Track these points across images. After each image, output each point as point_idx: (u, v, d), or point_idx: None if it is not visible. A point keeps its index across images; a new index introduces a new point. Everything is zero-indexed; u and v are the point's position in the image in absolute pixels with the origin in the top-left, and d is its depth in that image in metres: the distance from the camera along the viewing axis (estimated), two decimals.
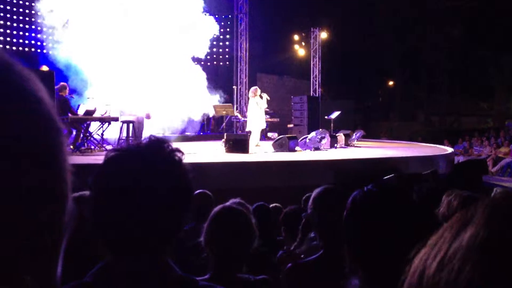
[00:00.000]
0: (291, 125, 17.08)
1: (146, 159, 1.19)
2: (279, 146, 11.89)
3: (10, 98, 0.45)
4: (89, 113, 10.60)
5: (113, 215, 1.15)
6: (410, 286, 0.49)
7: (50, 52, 13.94)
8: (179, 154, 1.22)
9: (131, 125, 11.01)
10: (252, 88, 13.00)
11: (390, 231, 1.38)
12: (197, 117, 16.44)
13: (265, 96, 12.80)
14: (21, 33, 15.08)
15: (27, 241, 0.44)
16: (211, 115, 17.24)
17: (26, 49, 14.99)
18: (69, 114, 10.43)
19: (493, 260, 0.43)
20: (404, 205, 1.47)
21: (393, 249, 1.37)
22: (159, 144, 1.21)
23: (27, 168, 0.44)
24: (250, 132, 12.64)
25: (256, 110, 12.62)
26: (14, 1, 15.08)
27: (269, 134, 17.38)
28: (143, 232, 1.15)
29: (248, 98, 13.22)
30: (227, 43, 20.84)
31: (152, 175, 1.16)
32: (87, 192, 1.21)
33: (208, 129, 18.60)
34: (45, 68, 12.07)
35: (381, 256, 1.37)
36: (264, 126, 13.15)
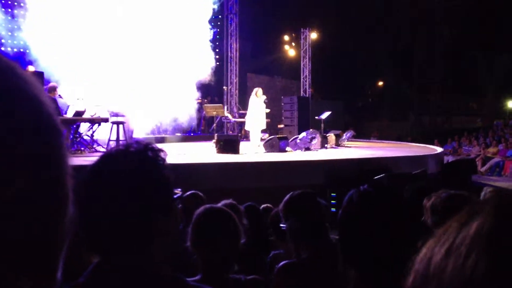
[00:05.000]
0: (282, 126, 17.08)
1: (128, 162, 1.22)
2: (270, 146, 11.90)
3: (12, 100, 0.45)
4: (78, 114, 10.53)
5: (96, 217, 1.17)
6: (417, 273, 0.51)
7: (31, 52, 13.66)
8: (162, 155, 1.25)
9: (121, 126, 10.96)
10: (255, 88, 13.00)
11: (385, 231, 1.39)
12: (187, 117, 16.37)
13: (263, 97, 12.68)
14: (9, 33, 14.87)
15: (29, 244, 0.44)
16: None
17: (14, 49, 14.79)
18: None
19: (498, 248, 0.45)
20: (399, 205, 1.48)
21: (387, 248, 1.37)
22: (142, 148, 1.25)
23: (28, 170, 0.44)
24: (245, 133, 12.57)
25: (252, 110, 12.57)
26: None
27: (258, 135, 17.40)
28: (125, 233, 1.17)
29: (247, 99, 13.21)
30: (217, 43, 20.82)
31: (134, 177, 1.20)
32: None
33: (199, 129, 18.58)
34: (31, 68, 11.90)
35: (375, 255, 1.37)
36: (263, 127, 13.03)
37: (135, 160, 1.22)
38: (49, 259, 0.48)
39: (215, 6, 17.51)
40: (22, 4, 14.25)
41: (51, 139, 0.48)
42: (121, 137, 10.89)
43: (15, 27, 14.09)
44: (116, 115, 11.42)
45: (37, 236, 0.45)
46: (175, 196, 1.26)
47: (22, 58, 13.55)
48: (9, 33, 14.38)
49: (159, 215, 1.21)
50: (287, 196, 2.74)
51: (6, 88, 0.45)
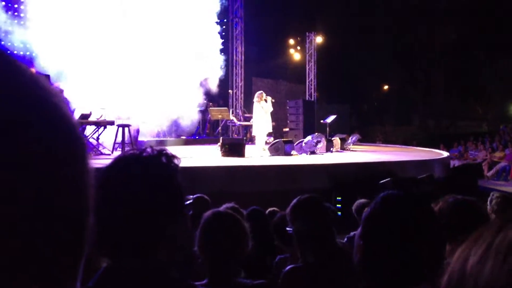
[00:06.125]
0: (287, 129, 17.09)
1: (141, 167, 1.21)
2: (275, 150, 11.88)
3: (39, 112, 0.45)
4: (84, 117, 10.56)
5: (106, 220, 1.15)
6: (453, 273, 0.53)
7: (37, 55, 13.62)
8: (175, 161, 1.24)
9: (126, 129, 10.98)
10: (258, 93, 12.91)
11: (413, 236, 1.35)
12: (191, 119, 16.34)
13: (269, 99, 12.73)
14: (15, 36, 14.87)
15: (51, 253, 0.44)
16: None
17: (21, 52, 14.77)
18: None
19: None
20: (431, 213, 1.45)
21: (413, 256, 1.34)
22: (155, 153, 1.24)
23: (53, 178, 0.44)
24: (250, 136, 12.52)
25: (261, 115, 12.57)
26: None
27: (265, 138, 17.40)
28: (135, 237, 1.17)
29: (253, 103, 13.13)
30: (222, 47, 20.86)
31: (146, 182, 1.19)
32: None
33: (204, 133, 18.61)
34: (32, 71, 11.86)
35: (398, 261, 1.34)
36: (270, 130, 13.05)
37: (148, 165, 1.22)
38: (72, 266, 0.48)
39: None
40: (23, 6, 14.27)
41: (74, 149, 0.48)
42: (127, 140, 10.93)
43: (19, 29, 14.09)
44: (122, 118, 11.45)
45: (61, 243, 0.45)
46: (186, 203, 1.26)
47: (25, 61, 13.49)
48: (14, 36, 14.42)
49: (170, 221, 1.20)
50: (295, 200, 2.73)
51: (30, 100, 0.45)
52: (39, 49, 13.20)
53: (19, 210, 0.41)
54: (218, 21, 17.57)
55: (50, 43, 12.99)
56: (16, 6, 14.86)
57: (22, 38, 13.75)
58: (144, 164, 1.22)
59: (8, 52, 0.46)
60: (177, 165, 1.24)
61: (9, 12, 14.13)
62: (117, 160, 1.25)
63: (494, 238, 0.50)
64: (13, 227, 0.41)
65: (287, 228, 2.72)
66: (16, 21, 14.27)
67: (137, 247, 1.17)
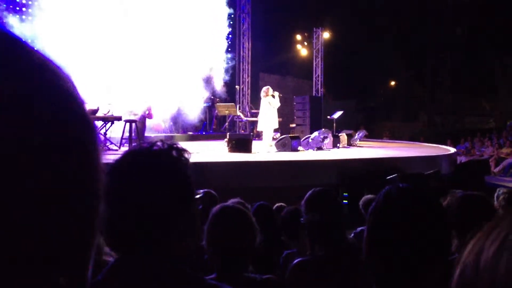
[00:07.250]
0: (294, 125, 17.07)
1: (151, 160, 1.22)
2: (282, 145, 11.89)
3: (47, 96, 0.45)
4: (92, 112, 10.59)
5: (115, 214, 1.15)
6: (465, 267, 0.51)
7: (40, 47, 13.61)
8: (185, 155, 1.25)
9: (133, 124, 11.01)
10: (264, 88, 12.76)
11: (415, 230, 1.35)
12: (198, 115, 16.32)
13: (277, 94, 12.62)
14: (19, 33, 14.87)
15: (63, 240, 0.44)
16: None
17: None
18: None
19: None
20: (435, 207, 1.44)
21: (419, 247, 1.34)
22: (166, 146, 1.24)
23: (64, 166, 0.44)
24: (257, 132, 12.50)
25: (269, 110, 12.49)
26: None
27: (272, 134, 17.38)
28: (145, 231, 1.17)
29: (260, 98, 13.05)
30: (229, 42, 20.86)
31: (156, 175, 1.19)
32: None
33: (211, 128, 18.62)
34: None
35: (404, 255, 1.34)
36: (276, 126, 12.97)
37: (159, 158, 1.21)
38: (83, 257, 0.47)
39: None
40: (30, 2, 14.30)
41: (85, 134, 0.48)
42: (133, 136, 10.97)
43: (22, 24, 14.10)
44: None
45: (72, 231, 0.45)
46: (196, 197, 1.25)
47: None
48: (16, 32, 14.42)
49: (179, 215, 1.21)
50: (309, 192, 2.74)
51: (40, 84, 0.44)
52: (43, 45, 13.18)
53: (28, 195, 0.41)
54: (227, 7, 17.52)
55: (54, 38, 12.97)
56: (24, 1, 14.88)
57: (25, 33, 13.77)
58: (155, 157, 1.21)
59: (16, 34, 0.46)
60: (187, 159, 1.24)
61: (11, 6, 14.12)
62: (127, 154, 1.25)
63: (508, 232, 0.48)
64: (24, 211, 0.41)
65: (301, 219, 2.73)
66: (24, 17, 14.29)
67: (147, 241, 1.17)
